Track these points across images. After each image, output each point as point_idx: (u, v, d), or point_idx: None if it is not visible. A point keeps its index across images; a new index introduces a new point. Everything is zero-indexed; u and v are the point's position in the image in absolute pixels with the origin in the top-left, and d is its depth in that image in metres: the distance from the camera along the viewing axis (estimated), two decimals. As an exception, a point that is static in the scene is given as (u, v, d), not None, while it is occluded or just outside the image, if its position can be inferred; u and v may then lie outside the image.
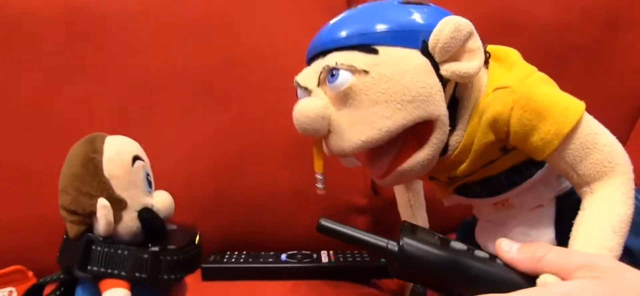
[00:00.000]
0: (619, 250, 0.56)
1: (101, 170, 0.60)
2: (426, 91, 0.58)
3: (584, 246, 0.56)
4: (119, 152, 0.61)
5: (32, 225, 0.92)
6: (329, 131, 0.61)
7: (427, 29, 0.59)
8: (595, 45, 1.10)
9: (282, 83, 0.95)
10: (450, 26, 0.58)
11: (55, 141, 0.91)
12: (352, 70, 0.59)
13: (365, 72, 0.58)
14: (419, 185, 0.85)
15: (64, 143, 0.90)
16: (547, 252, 0.53)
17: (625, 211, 0.58)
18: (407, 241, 0.56)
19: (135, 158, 0.62)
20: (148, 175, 0.64)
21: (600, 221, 0.57)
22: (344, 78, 0.59)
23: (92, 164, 0.60)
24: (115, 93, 0.95)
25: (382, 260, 0.86)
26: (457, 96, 0.63)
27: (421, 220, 0.84)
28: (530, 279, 0.53)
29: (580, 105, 0.60)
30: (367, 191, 1.03)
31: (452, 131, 0.63)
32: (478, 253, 0.57)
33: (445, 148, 0.63)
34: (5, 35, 0.93)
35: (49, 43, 0.94)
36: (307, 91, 0.62)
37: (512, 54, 0.67)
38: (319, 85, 0.61)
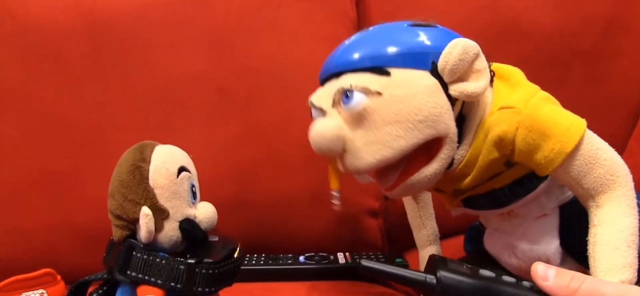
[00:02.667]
0: (636, 263, 0.59)
1: (147, 178, 0.60)
2: (436, 111, 0.60)
3: (608, 269, 0.58)
4: (165, 162, 0.62)
5: (58, 230, 0.93)
6: (344, 150, 0.62)
7: (436, 51, 0.61)
8: (596, 50, 1.13)
9: (298, 91, 0.96)
10: (459, 48, 0.60)
11: (79, 149, 0.94)
12: (366, 91, 0.60)
13: (379, 93, 0.60)
14: (428, 196, 0.87)
15: (88, 151, 0.94)
16: (581, 283, 0.54)
17: (632, 222, 0.60)
18: (444, 274, 0.59)
19: (181, 169, 0.63)
20: (193, 186, 0.64)
21: (614, 239, 0.59)
22: (358, 99, 0.60)
23: (139, 172, 0.61)
24: (137, 101, 0.96)
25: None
26: (464, 113, 0.65)
27: (431, 228, 0.86)
28: None
29: (582, 123, 0.61)
30: (380, 194, 1.05)
31: (458, 146, 0.65)
32: (506, 278, 0.59)
33: (450, 162, 0.65)
34: (29, 45, 0.94)
35: (72, 53, 0.95)
36: (322, 112, 0.64)
37: (516, 74, 0.68)
38: (333, 105, 0.63)
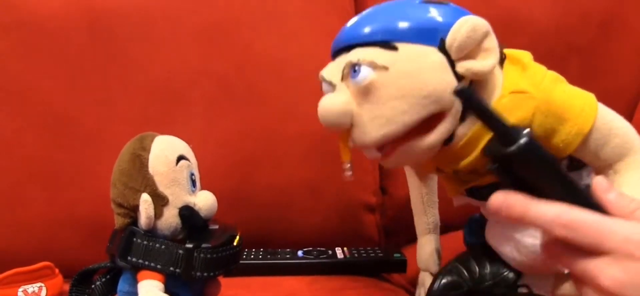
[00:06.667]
0: None
1: (146, 166, 0.61)
2: (442, 87, 0.60)
3: None
4: (164, 150, 0.63)
5: (57, 223, 0.92)
6: (352, 125, 0.62)
7: (446, 27, 0.61)
8: (592, 46, 1.14)
9: (297, 85, 0.98)
10: (467, 26, 0.60)
11: (78, 142, 0.93)
12: (373, 65, 0.60)
13: (385, 68, 0.60)
14: (433, 183, 0.87)
15: (87, 144, 0.93)
16: (638, 207, 0.51)
17: None
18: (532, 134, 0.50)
19: (180, 157, 0.64)
20: (192, 174, 0.65)
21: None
22: (365, 73, 0.60)
23: (139, 160, 0.62)
24: (137, 95, 0.96)
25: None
26: None
27: (432, 216, 0.86)
28: None
29: (593, 100, 0.63)
30: (377, 190, 1.05)
31: (461, 122, 0.64)
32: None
33: (450, 137, 0.65)
34: (28, 37, 0.93)
35: (72, 46, 0.94)
36: (332, 85, 0.64)
37: (524, 56, 0.68)
38: (342, 80, 0.63)
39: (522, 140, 0.48)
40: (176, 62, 0.98)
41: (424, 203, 0.86)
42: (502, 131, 0.49)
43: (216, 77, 0.99)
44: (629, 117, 1.13)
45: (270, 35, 1.01)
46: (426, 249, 0.86)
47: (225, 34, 1.00)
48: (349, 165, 0.67)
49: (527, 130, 0.49)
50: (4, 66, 0.93)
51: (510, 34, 1.05)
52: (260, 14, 1.01)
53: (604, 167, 0.64)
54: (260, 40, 1.01)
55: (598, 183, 0.53)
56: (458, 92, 0.55)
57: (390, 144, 0.64)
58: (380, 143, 0.63)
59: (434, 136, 0.62)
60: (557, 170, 0.51)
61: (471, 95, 0.52)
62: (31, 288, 0.77)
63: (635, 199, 0.53)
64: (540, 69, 0.67)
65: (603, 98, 1.11)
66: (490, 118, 0.50)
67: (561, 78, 0.67)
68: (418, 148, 0.63)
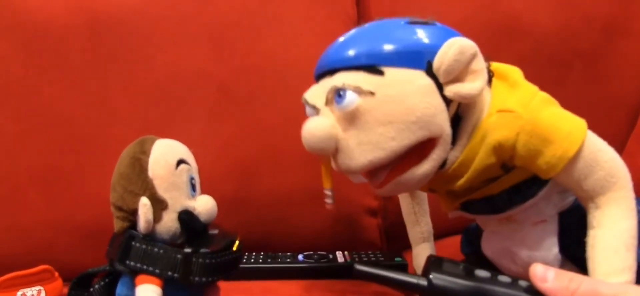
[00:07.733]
0: (635, 265, 0.58)
1: (146, 170, 0.61)
2: (430, 112, 0.59)
3: (606, 272, 0.58)
4: (164, 154, 0.63)
5: (56, 227, 0.92)
6: (337, 149, 0.61)
7: (432, 50, 0.59)
8: (596, 51, 1.13)
9: (298, 90, 0.97)
10: (455, 48, 0.58)
11: (79, 145, 0.93)
12: (359, 91, 0.58)
13: (371, 93, 0.58)
14: (423, 194, 0.86)
15: (87, 148, 0.93)
16: (580, 284, 0.54)
17: (632, 224, 0.60)
18: (435, 276, 0.59)
19: (180, 161, 0.64)
20: (192, 178, 0.65)
21: (612, 241, 0.59)
22: (351, 99, 0.59)
23: (139, 164, 0.62)
24: (137, 98, 0.96)
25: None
26: (461, 113, 0.64)
27: (425, 225, 0.86)
28: None
29: (583, 125, 0.61)
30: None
31: (452, 147, 0.63)
32: (501, 278, 0.59)
33: (443, 163, 0.64)
34: (29, 40, 0.93)
35: (72, 48, 0.94)
36: (315, 109, 0.63)
37: (514, 73, 0.67)
38: (326, 104, 0.62)
39: (422, 284, 0.59)
40: (177, 65, 0.98)
41: (416, 214, 0.86)
42: (410, 286, 0.59)
43: (217, 81, 0.99)
44: (633, 122, 1.13)
45: (271, 39, 1.01)
46: (422, 258, 0.86)
47: (226, 37, 1.00)
48: (330, 193, 0.67)
49: (428, 277, 0.58)
50: (5, 68, 0.93)
51: (513, 39, 1.07)
52: (261, 18, 1.01)
53: (586, 199, 0.62)
54: (262, 44, 1.00)
55: (534, 273, 0.57)
56: (356, 274, 0.61)
57: (385, 174, 0.63)
58: (366, 169, 0.62)
59: (429, 165, 0.61)
60: (478, 289, 0.57)
61: (366, 272, 0.61)
62: (30, 291, 0.77)
63: (574, 277, 0.55)
64: (531, 88, 0.66)
65: (607, 104, 1.11)
66: (394, 282, 0.59)
67: (552, 100, 0.65)
68: (413, 177, 0.62)
